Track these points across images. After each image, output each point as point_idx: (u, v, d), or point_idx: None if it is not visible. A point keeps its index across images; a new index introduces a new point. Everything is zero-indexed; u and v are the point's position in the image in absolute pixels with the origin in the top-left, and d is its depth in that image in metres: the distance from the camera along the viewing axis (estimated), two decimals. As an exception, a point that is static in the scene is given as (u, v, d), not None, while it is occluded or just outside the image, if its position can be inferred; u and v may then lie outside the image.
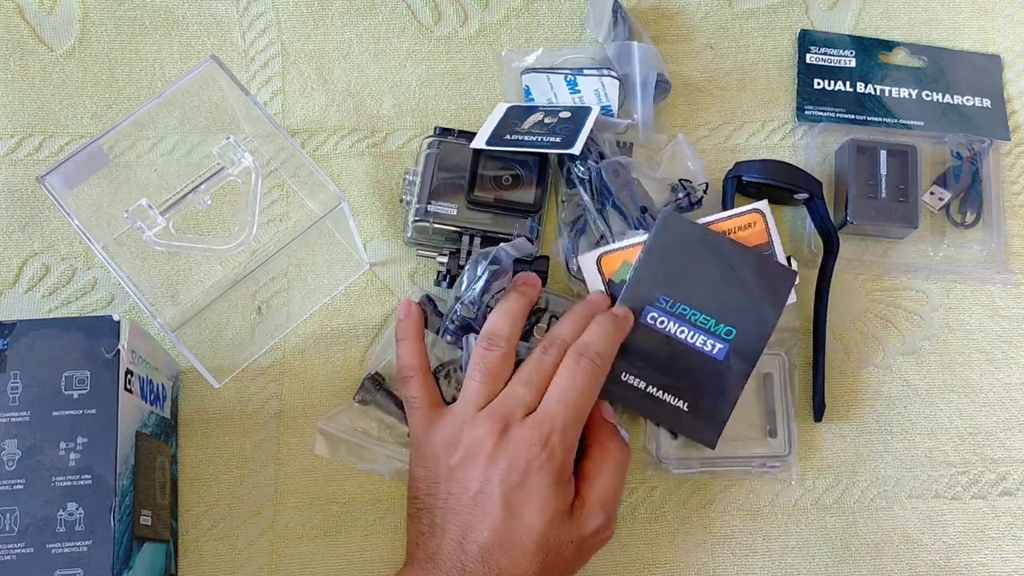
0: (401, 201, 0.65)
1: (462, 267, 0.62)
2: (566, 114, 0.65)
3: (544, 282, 0.63)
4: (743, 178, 0.66)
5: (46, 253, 0.65)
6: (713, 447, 0.60)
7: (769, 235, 0.62)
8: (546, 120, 0.65)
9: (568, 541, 0.54)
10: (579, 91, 0.67)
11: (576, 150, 0.61)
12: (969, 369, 0.66)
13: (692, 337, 0.61)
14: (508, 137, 0.64)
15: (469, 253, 0.62)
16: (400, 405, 0.62)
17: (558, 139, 0.62)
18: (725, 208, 0.66)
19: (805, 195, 0.65)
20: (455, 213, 0.63)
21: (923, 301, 0.67)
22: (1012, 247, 0.69)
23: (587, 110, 0.64)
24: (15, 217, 0.66)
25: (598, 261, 0.62)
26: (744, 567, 0.62)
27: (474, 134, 0.64)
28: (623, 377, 0.60)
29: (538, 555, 0.53)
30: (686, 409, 0.60)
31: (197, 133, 0.67)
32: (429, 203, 0.63)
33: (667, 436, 0.62)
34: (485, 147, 0.63)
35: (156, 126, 0.66)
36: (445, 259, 0.63)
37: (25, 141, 0.67)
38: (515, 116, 0.66)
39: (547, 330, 0.61)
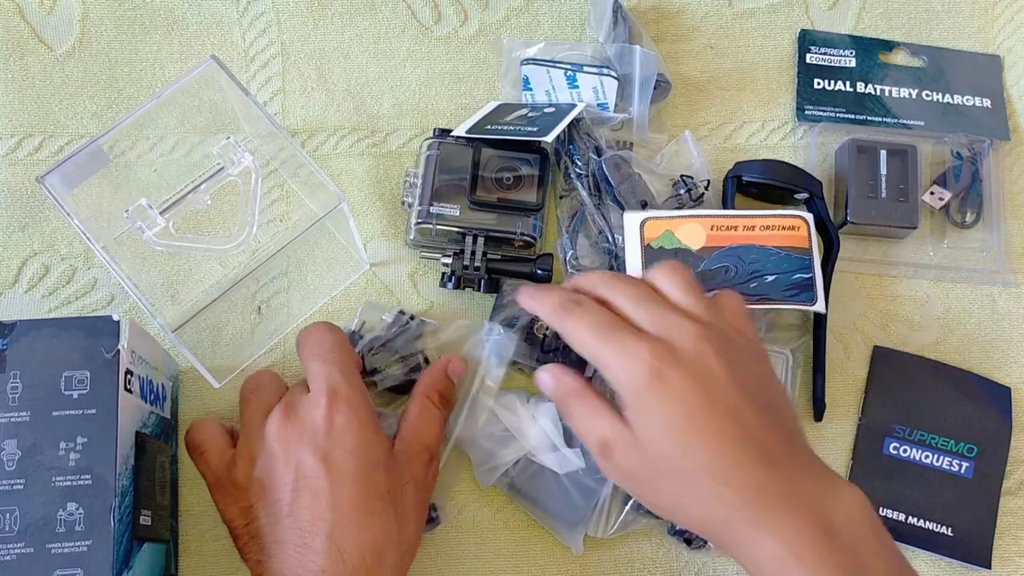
0: (403, 204, 0.64)
1: (466, 268, 0.62)
2: (550, 109, 0.65)
3: (549, 281, 0.63)
4: (743, 178, 0.66)
5: (46, 253, 0.65)
6: (989, 567, 0.61)
7: (810, 243, 0.61)
8: (530, 114, 0.65)
9: (400, 481, 0.53)
10: (577, 87, 0.67)
11: (549, 138, 0.61)
12: (969, 369, 0.66)
13: (938, 460, 0.62)
14: (488, 127, 0.64)
15: (473, 253, 0.62)
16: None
17: (535, 128, 0.63)
18: (725, 208, 0.66)
19: (805, 195, 0.65)
20: (458, 214, 0.63)
21: (923, 301, 0.67)
22: (1012, 247, 0.69)
23: (571, 106, 0.64)
24: (15, 217, 0.65)
25: (642, 224, 0.61)
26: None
27: (473, 136, 0.64)
28: (881, 512, 0.61)
29: (384, 509, 0.51)
30: (951, 533, 0.61)
31: (197, 133, 0.67)
32: (431, 205, 0.63)
33: None
34: (464, 135, 0.64)
35: (156, 126, 0.66)
36: (449, 260, 0.63)
37: (25, 141, 0.67)
38: (502, 112, 0.67)
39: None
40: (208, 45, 0.70)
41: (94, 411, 0.51)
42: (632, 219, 0.61)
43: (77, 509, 0.50)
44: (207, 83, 0.59)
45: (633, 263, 0.61)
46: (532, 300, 0.55)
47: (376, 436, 0.54)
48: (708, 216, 0.62)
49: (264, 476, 0.52)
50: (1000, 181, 0.69)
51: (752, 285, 0.60)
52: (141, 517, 0.54)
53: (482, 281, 0.63)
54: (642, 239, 0.61)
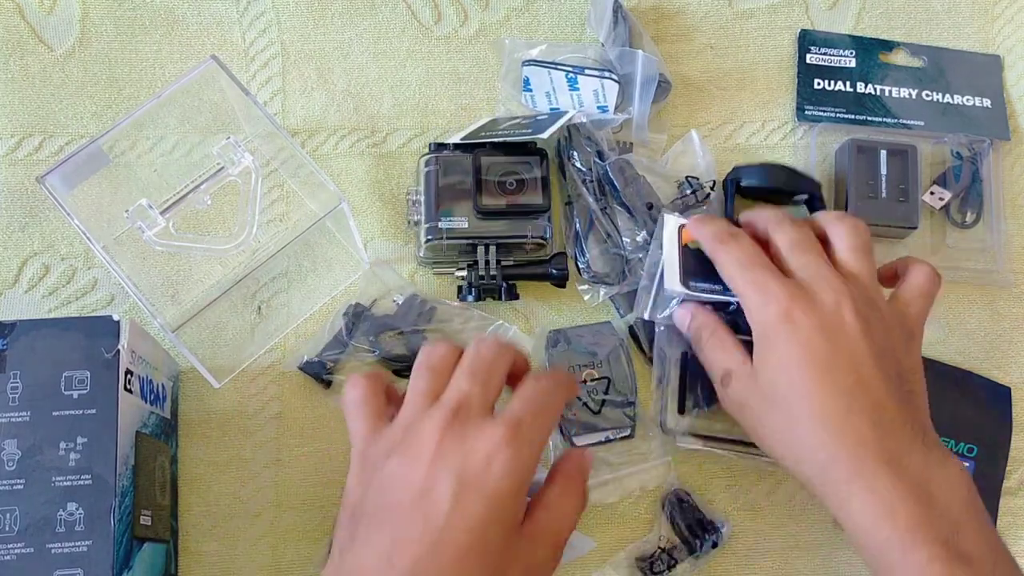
0: (408, 223, 0.64)
1: (483, 278, 0.62)
2: (543, 116, 0.65)
3: (565, 280, 0.63)
4: (741, 182, 0.66)
5: (46, 253, 0.65)
6: None
7: None
8: (523, 121, 0.66)
9: (515, 562, 0.45)
10: (578, 89, 0.67)
11: (546, 135, 0.61)
12: (969, 369, 0.66)
13: None
14: (484, 135, 0.65)
15: (487, 263, 0.62)
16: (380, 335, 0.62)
17: (530, 130, 0.63)
18: (725, 212, 0.66)
19: (804, 197, 0.65)
20: (466, 225, 0.63)
21: (923, 301, 0.67)
22: (1012, 247, 0.69)
23: (564, 112, 0.65)
24: (15, 217, 0.65)
25: (680, 228, 0.60)
26: (745, 566, 0.62)
27: (468, 144, 0.65)
28: None
29: (479, 573, 0.44)
30: None
31: (197, 133, 0.67)
32: (439, 220, 0.63)
33: (674, 410, 0.61)
34: (461, 142, 0.64)
35: (156, 126, 0.66)
36: (464, 273, 0.63)
37: (25, 141, 0.67)
38: (496, 124, 0.67)
39: (596, 377, 0.61)
40: (208, 45, 0.70)
41: (94, 411, 0.51)
42: (671, 221, 0.60)
43: (77, 509, 0.50)
44: (207, 83, 0.59)
45: (671, 261, 0.59)
46: (697, 225, 0.58)
47: (518, 500, 0.46)
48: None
49: (396, 469, 0.46)
50: (1000, 181, 0.69)
51: None
52: (141, 517, 0.54)
53: (501, 289, 0.63)
54: (680, 240, 0.60)
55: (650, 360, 0.64)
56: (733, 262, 0.54)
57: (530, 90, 0.68)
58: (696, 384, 0.61)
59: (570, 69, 0.67)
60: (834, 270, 0.53)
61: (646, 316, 0.60)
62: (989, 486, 0.63)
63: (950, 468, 0.48)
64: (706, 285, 0.59)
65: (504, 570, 0.45)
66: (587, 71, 0.67)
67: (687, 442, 0.61)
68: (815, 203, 0.65)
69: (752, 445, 0.61)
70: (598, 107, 0.67)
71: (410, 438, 0.46)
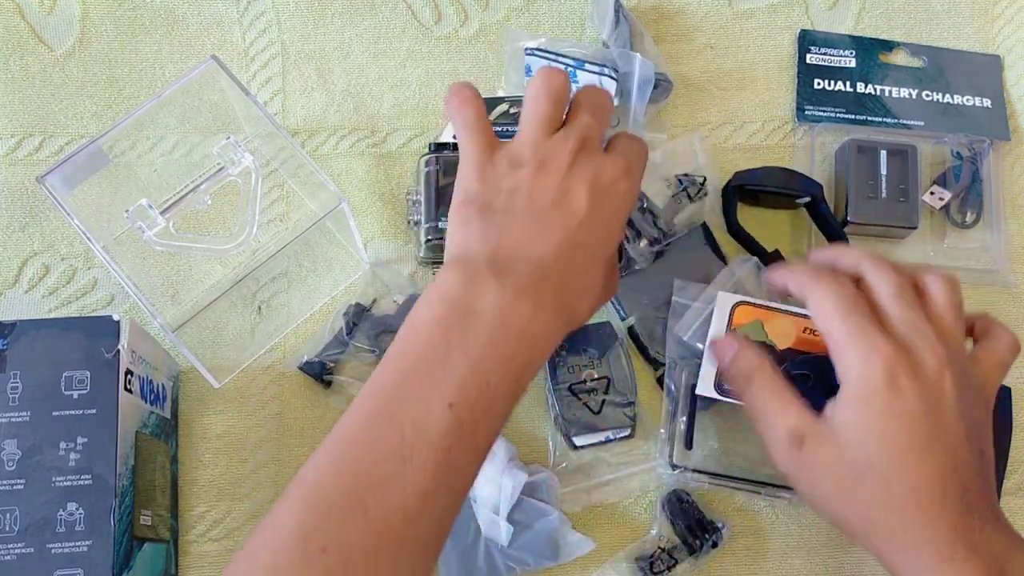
0: (408, 223, 0.64)
1: None
2: None
3: None
4: (743, 187, 0.66)
5: (46, 253, 0.65)
6: None
7: None
8: (511, 110, 0.65)
9: (614, 277, 0.53)
10: (577, 82, 0.67)
11: None
12: (969, 369, 0.66)
13: None
14: None
15: None
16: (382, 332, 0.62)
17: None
18: (727, 218, 0.66)
19: (807, 199, 0.65)
20: None
21: (923, 301, 0.67)
22: (1012, 247, 0.69)
23: None
24: (15, 217, 0.66)
25: (733, 307, 0.60)
26: (745, 566, 0.62)
27: None
28: None
29: (602, 270, 0.49)
30: None
31: (197, 133, 0.67)
32: (439, 220, 0.62)
33: (681, 445, 0.61)
34: (451, 141, 0.64)
35: (156, 126, 0.66)
36: None
37: (25, 141, 0.67)
38: (490, 104, 0.67)
39: (596, 377, 0.62)
40: (208, 45, 0.70)
41: (94, 411, 0.51)
42: (725, 299, 0.60)
43: (77, 509, 0.50)
44: (207, 83, 0.60)
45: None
46: (783, 271, 0.54)
47: (624, 223, 0.51)
48: (804, 317, 0.59)
49: (528, 176, 0.48)
50: (1000, 181, 0.69)
51: (822, 399, 0.58)
52: (141, 517, 0.54)
53: None
54: (730, 322, 0.59)
55: (651, 361, 0.64)
56: (832, 303, 0.49)
57: (531, 76, 0.68)
58: (704, 420, 0.61)
59: (571, 62, 0.67)
60: (935, 332, 0.49)
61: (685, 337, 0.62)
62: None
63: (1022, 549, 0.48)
64: None
65: (609, 259, 0.50)
66: (587, 65, 0.67)
67: (694, 478, 0.61)
68: (818, 204, 0.65)
69: (760, 483, 0.61)
70: None
71: (543, 155, 0.49)
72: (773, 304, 0.60)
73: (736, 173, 0.66)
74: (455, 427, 0.43)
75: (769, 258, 0.65)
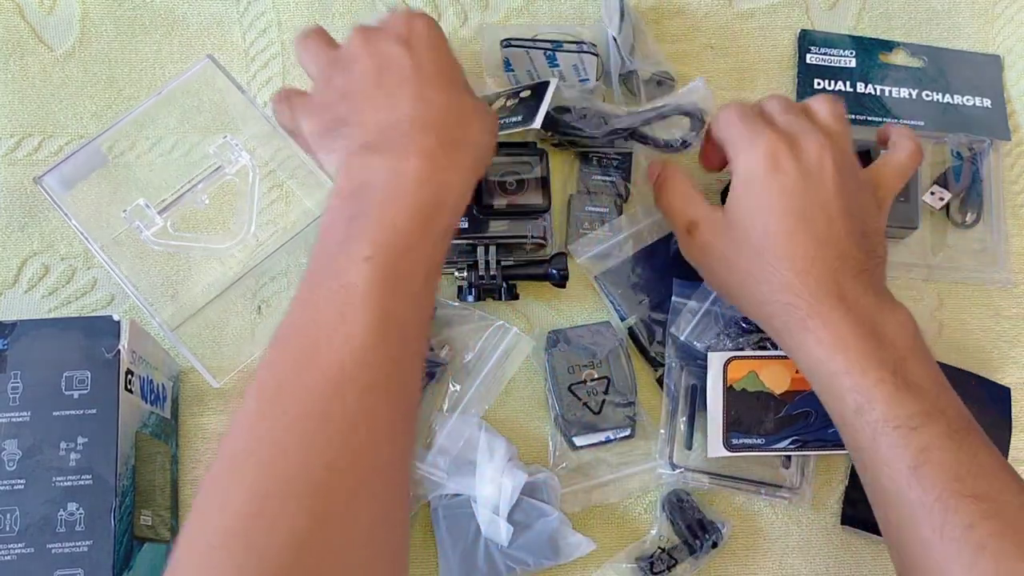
0: None
1: (482, 278, 0.62)
2: (527, 93, 0.64)
3: (565, 280, 0.63)
4: None
5: (45, 253, 0.65)
6: None
7: None
8: (508, 103, 0.65)
9: (483, 110, 0.55)
10: (558, 65, 0.67)
11: (537, 123, 0.60)
12: (969, 369, 0.66)
13: None
14: None
15: (487, 263, 0.62)
16: None
17: (519, 118, 0.62)
18: None
19: None
20: (466, 225, 0.62)
21: (923, 301, 0.67)
22: (1012, 247, 0.68)
23: (545, 84, 0.64)
24: (14, 217, 0.65)
25: (726, 364, 0.61)
26: (745, 566, 0.62)
27: None
28: None
29: (462, 98, 0.53)
30: None
31: (197, 133, 0.67)
32: None
33: (681, 445, 0.62)
34: None
35: (155, 126, 0.66)
36: (464, 273, 0.63)
37: (24, 141, 0.67)
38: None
39: (596, 377, 0.62)
40: (208, 45, 0.70)
41: (94, 411, 0.51)
42: (716, 359, 0.61)
43: (77, 509, 0.50)
44: (206, 83, 0.60)
45: (715, 405, 0.60)
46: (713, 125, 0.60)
47: (452, 56, 0.55)
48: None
49: (348, 77, 0.53)
50: (1000, 181, 0.69)
51: (831, 431, 0.59)
52: (141, 517, 0.54)
53: (502, 289, 0.63)
54: (725, 380, 0.60)
55: (651, 361, 0.64)
56: (730, 116, 0.57)
57: (512, 70, 0.68)
58: (704, 420, 0.61)
59: (548, 45, 0.67)
60: (817, 127, 0.55)
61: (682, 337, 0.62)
62: None
63: (898, 312, 0.53)
64: (751, 440, 0.59)
65: (460, 84, 0.54)
66: (565, 46, 0.66)
67: (694, 478, 0.61)
68: None
69: (760, 483, 0.61)
70: (579, 80, 0.67)
71: (338, 58, 0.55)
72: (762, 353, 0.61)
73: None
74: (378, 274, 0.45)
75: None
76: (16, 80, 0.68)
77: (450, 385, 0.62)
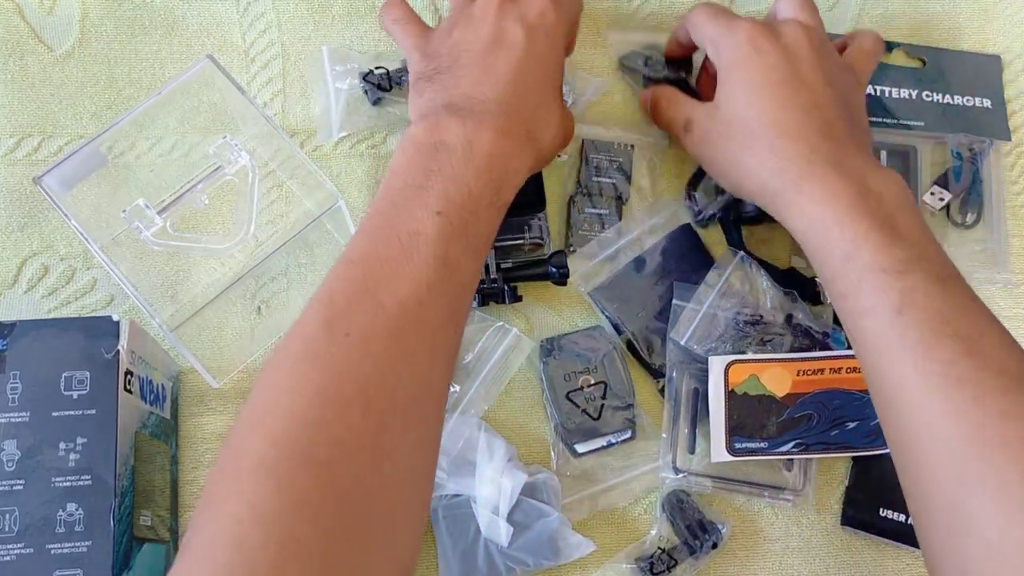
0: None
1: (483, 283, 0.62)
2: None
3: (566, 279, 0.63)
4: (743, 214, 0.65)
5: (45, 253, 0.65)
6: None
7: None
8: None
9: (566, 108, 0.59)
10: None
11: None
12: (969, 369, 0.66)
13: None
14: None
15: (488, 267, 0.62)
16: None
17: None
18: (731, 244, 0.66)
19: None
20: None
21: (923, 301, 0.67)
22: (1012, 247, 0.68)
23: None
24: (13, 217, 0.65)
25: (727, 368, 0.60)
26: (745, 567, 0.62)
27: None
28: (881, 513, 0.61)
29: (553, 96, 0.57)
30: None
31: (196, 133, 0.67)
32: None
33: (684, 449, 0.62)
34: None
35: (155, 126, 0.66)
36: None
37: (24, 141, 0.67)
38: None
39: (593, 383, 0.62)
40: (208, 45, 0.70)
41: (94, 411, 0.51)
42: (717, 363, 0.60)
43: (77, 509, 0.50)
44: (206, 83, 0.60)
45: (717, 409, 0.60)
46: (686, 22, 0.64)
47: (564, 42, 0.59)
48: (795, 360, 0.61)
49: (463, 29, 0.56)
50: (1000, 181, 0.69)
51: (833, 433, 0.59)
52: (141, 518, 0.54)
53: (504, 292, 0.63)
54: (726, 384, 0.60)
55: (653, 372, 0.64)
56: (704, 14, 0.60)
57: None
58: (706, 424, 0.61)
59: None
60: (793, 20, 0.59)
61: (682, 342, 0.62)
62: None
63: (886, 172, 0.54)
64: (753, 444, 0.59)
65: (556, 88, 0.58)
66: None
67: (697, 482, 0.61)
68: None
69: (762, 485, 0.61)
70: None
71: (469, 12, 0.57)
72: (763, 356, 0.61)
73: (734, 201, 0.65)
74: (447, 228, 0.48)
75: (784, 276, 0.65)
76: (16, 80, 0.68)
77: (450, 385, 0.62)
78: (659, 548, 0.60)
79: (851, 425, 0.60)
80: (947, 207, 0.68)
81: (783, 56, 0.56)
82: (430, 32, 0.59)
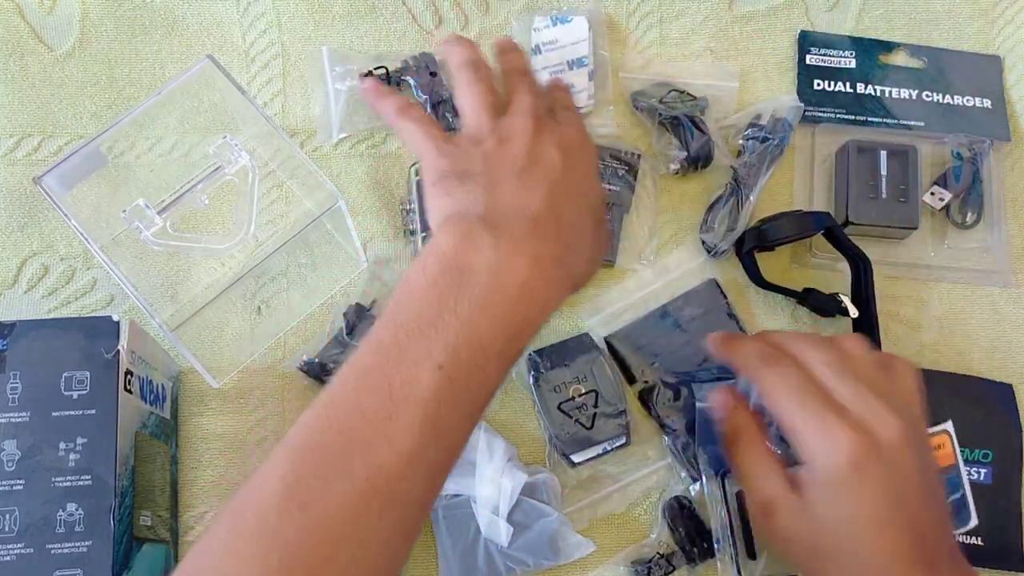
0: (405, 233, 0.64)
1: None
2: None
3: None
4: (760, 243, 0.64)
5: (45, 253, 0.65)
6: None
7: (956, 457, 0.62)
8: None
9: (604, 231, 0.55)
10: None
11: None
12: (969, 370, 0.66)
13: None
14: None
15: None
16: None
17: None
18: (752, 278, 0.65)
19: (822, 230, 0.64)
20: None
21: (923, 302, 0.67)
22: (1012, 247, 0.68)
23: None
24: (14, 217, 0.65)
25: (737, 494, 0.59)
26: (745, 568, 0.62)
27: None
28: None
29: (591, 222, 0.52)
30: (982, 543, 0.60)
31: (197, 133, 0.67)
32: None
33: (746, 557, 0.59)
34: None
35: (155, 126, 0.66)
36: None
37: (24, 141, 0.67)
38: None
39: (584, 392, 0.61)
40: (208, 45, 0.70)
41: (94, 411, 0.51)
42: (728, 488, 0.60)
43: (77, 509, 0.50)
44: (207, 83, 0.59)
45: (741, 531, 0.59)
46: (726, 348, 0.56)
47: (598, 184, 0.55)
48: None
49: (496, 146, 0.51)
50: (1001, 181, 0.69)
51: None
52: (141, 518, 0.54)
53: None
54: (741, 507, 0.59)
55: (663, 426, 0.63)
56: (787, 390, 0.51)
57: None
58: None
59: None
60: (882, 401, 0.50)
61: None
62: (1009, 488, 0.62)
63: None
64: None
65: (599, 223, 0.53)
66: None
67: None
68: (835, 232, 0.64)
69: None
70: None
71: (503, 133, 0.52)
72: None
73: (746, 232, 0.65)
74: (445, 386, 0.43)
75: (804, 297, 0.65)
76: (16, 80, 0.68)
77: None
78: (658, 553, 0.60)
79: None
80: (947, 207, 0.68)
81: (888, 482, 0.49)
82: (447, 135, 0.53)
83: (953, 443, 0.62)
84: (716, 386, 0.58)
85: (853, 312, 0.64)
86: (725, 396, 0.56)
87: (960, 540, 0.61)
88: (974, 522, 0.61)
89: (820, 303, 0.65)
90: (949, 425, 0.62)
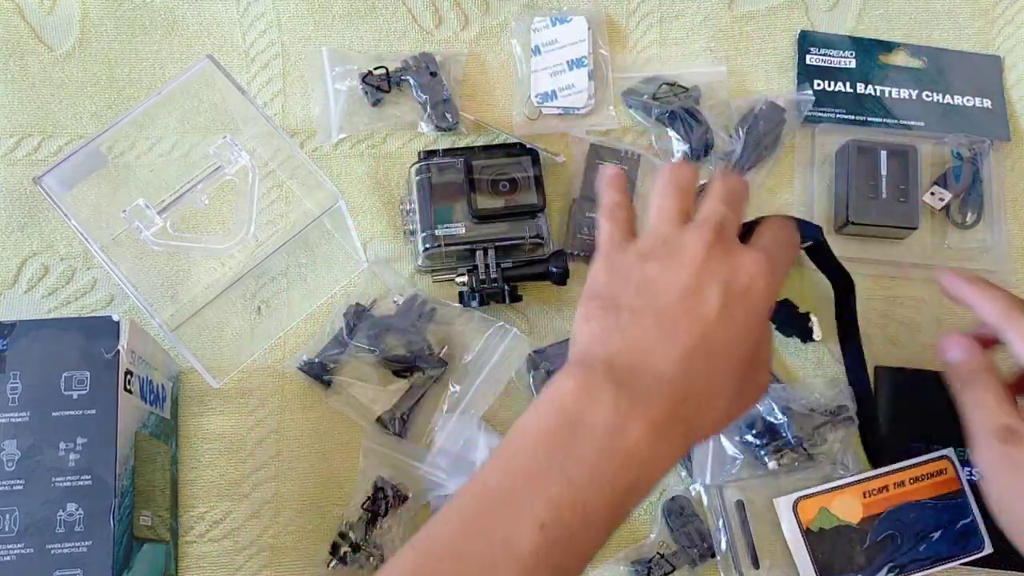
0: (405, 233, 0.64)
1: (483, 282, 0.62)
2: None
3: (566, 278, 0.63)
4: None
5: (45, 253, 0.65)
6: None
7: (961, 482, 0.61)
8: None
9: (753, 382, 0.49)
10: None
11: None
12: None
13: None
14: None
15: (487, 267, 0.62)
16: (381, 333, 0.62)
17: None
18: None
19: (809, 243, 0.63)
20: (463, 231, 0.62)
21: (923, 301, 0.67)
22: (1012, 247, 0.68)
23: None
24: (14, 217, 0.65)
25: (795, 507, 0.60)
26: (744, 568, 0.62)
27: (457, 150, 0.65)
28: None
29: (732, 380, 0.46)
30: (991, 547, 0.60)
31: (197, 133, 0.67)
32: (435, 228, 0.62)
33: (749, 566, 0.60)
34: (449, 147, 0.65)
35: (155, 126, 0.66)
36: (464, 278, 0.63)
37: (24, 141, 0.67)
38: None
39: None
40: (208, 46, 0.70)
41: (94, 411, 0.51)
42: (784, 504, 0.60)
43: (77, 510, 0.50)
44: (207, 83, 0.59)
45: (799, 552, 0.59)
46: (966, 291, 0.55)
47: (766, 324, 0.49)
48: (858, 482, 0.60)
49: (658, 270, 0.47)
50: (1001, 181, 0.69)
51: (922, 548, 0.59)
52: (141, 517, 0.54)
53: (505, 292, 0.62)
54: (800, 524, 0.60)
55: None
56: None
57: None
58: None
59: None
60: None
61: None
62: None
63: None
64: None
65: (748, 380, 0.47)
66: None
67: None
68: (820, 246, 0.62)
69: None
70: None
71: (673, 248, 0.47)
72: (826, 486, 0.60)
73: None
74: (544, 548, 0.42)
75: (778, 308, 0.64)
76: (16, 80, 0.68)
77: (450, 385, 0.62)
78: (658, 553, 0.60)
79: (936, 535, 0.59)
80: (947, 207, 0.68)
81: None
82: (626, 244, 0.49)
83: (956, 468, 0.61)
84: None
85: (818, 335, 0.64)
86: (968, 339, 0.56)
87: None
88: (988, 550, 0.60)
89: (788, 319, 0.64)
90: (950, 451, 0.62)
